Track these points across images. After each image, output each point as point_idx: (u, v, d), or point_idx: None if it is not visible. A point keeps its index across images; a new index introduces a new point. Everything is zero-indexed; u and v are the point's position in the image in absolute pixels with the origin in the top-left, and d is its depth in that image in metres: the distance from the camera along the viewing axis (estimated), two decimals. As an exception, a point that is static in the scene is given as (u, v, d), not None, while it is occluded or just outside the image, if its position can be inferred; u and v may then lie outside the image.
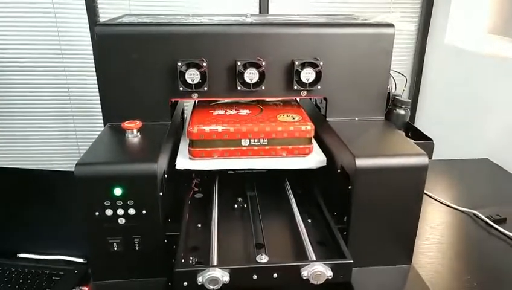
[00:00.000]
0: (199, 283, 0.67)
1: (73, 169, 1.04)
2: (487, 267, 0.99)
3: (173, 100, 0.94)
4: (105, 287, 0.81)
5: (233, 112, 0.99)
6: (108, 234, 0.78)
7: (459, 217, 1.20)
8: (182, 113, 1.18)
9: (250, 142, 0.92)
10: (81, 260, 1.02)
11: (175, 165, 0.92)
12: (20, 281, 0.97)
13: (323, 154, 0.97)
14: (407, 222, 0.84)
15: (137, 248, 0.79)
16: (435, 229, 1.14)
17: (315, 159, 0.96)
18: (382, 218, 0.83)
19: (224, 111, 1.00)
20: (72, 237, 1.03)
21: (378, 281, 0.84)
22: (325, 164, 0.96)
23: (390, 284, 0.85)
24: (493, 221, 1.14)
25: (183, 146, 0.98)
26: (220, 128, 0.91)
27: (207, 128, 0.91)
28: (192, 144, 0.92)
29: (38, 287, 0.95)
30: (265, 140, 0.93)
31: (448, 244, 1.08)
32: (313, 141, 0.98)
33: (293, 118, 0.96)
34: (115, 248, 0.78)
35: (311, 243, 0.78)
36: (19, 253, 1.05)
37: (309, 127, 0.94)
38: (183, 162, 0.93)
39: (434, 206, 1.25)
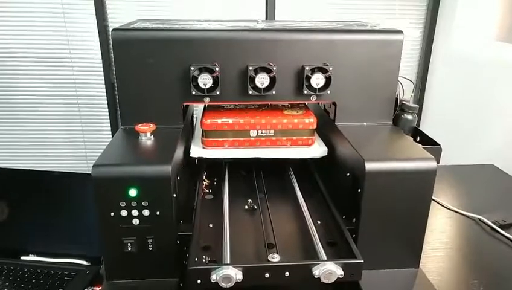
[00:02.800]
0: (213, 281, 0.68)
1: (80, 171, 1.07)
2: (493, 272, 1.00)
3: (186, 104, 0.96)
4: (118, 287, 0.83)
5: (242, 106, 1.07)
6: (122, 234, 0.79)
7: (465, 222, 1.21)
8: (192, 117, 1.20)
9: (258, 133, 1.00)
10: (84, 263, 1.03)
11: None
12: (33, 281, 0.98)
13: (325, 146, 1.04)
14: (415, 225, 0.85)
15: (150, 248, 0.80)
16: (442, 234, 1.15)
17: (318, 149, 1.03)
18: (391, 221, 0.84)
19: (234, 105, 1.07)
20: (81, 240, 1.05)
21: (386, 284, 0.85)
22: (326, 154, 1.02)
23: (398, 287, 0.86)
24: (499, 226, 1.15)
25: (197, 137, 1.06)
26: (230, 120, 0.99)
27: (219, 120, 0.98)
28: (205, 134, 1.00)
29: (50, 287, 0.97)
30: (272, 131, 1.00)
31: (455, 249, 1.09)
32: (315, 133, 1.05)
33: (297, 112, 1.04)
34: (129, 248, 0.80)
35: (321, 244, 0.80)
36: (26, 255, 1.06)
37: (312, 119, 1.01)
38: (197, 150, 1.00)
39: (440, 212, 1.26)
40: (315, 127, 1.02)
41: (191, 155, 1.00)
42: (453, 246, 1.10)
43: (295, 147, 1.03)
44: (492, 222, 1.17)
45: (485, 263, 1.03)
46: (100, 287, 0.95)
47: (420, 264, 0.89)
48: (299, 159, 1.04)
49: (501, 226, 1.15)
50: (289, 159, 1.03)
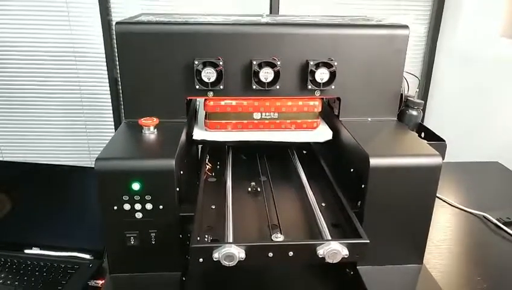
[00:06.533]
0: (215, 259, 0.67)
1: (82, 164, 1.06)
2: (497, 269, 0.99)
3: (189, 98, 0.96)
4: (121, 280, 0.83)
5: None
6: (125, 228, 0.79)
7: (469, 219, 1.20)
8: (195, 112, 1.19)
9: (261, 115, 0.98)
10: (87, 256, 1.03)
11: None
12: (36, 273, 0.98)
13: (330, 130, 1.02)
14: (419, 221, 0.84)
15: (153, 242, 0.80)
16: (445, 230, 1.14)
17: (322, 133, 1.01)
18: (395, 217, 0.83)
19: None
20: (84, 233, 1.05)
21: (390, 279, 0.85)
22: (331, 137, 1.00)
23: (402, 283, 0.85)
24: (503, 223, 1.15)
25: (200, 122, 1.05)
26: (234, 102, 0.97)
27: (222, 102, 0.96)
28: (208, 116, 0.99)
29: (53, 280, 0.97)
30: (276, 114, 0.98)
31: (459, 245, 1.09)
32: (320, 117, 1.03)
33: None
34: (132, 242, 0.80)
35: (326, 225, 0.78)
36: (29, 248, 1.06)
37: (317, 102, 0.99)
38: (200, 133, 0.99)
39: (444, 208, 1.26)
40: (320, 110, 1.00)
41: (194, 138, 0.98)
42: (456, 243, 1.10)
43: (300, 130, 1.01)
44: (497, 219, 1.17)
45: (489, 260, 1.03)
46: (103, 281, 0.95)
47: (424, 261, 0.89)
48: (303, 143, 1.01)
49: (505, 224, 1.15)
50: (293, 142, 1.00)
